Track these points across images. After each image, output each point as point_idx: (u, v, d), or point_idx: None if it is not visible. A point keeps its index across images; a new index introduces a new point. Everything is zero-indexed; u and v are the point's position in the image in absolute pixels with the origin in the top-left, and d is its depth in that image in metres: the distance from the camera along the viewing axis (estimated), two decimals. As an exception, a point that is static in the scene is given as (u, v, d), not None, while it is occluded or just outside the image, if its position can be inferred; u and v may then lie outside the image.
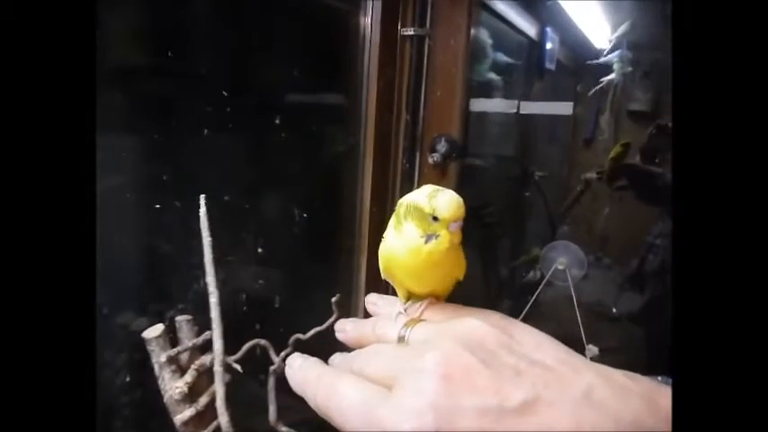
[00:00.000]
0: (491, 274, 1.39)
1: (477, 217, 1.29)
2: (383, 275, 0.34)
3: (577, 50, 1.58)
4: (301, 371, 0.29)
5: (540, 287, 0.87)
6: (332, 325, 0.60)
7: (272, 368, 0.62)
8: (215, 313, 0.42)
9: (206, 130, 0.55)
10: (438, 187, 0.30)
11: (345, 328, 0.33)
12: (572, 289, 0.84)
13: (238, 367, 0.59)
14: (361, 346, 0.30)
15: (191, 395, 0.53)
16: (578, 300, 1.46)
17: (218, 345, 0.41)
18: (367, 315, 0.37)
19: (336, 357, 0.31)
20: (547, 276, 0.86)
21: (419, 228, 0.29)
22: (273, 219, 0.67)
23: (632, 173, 1.13)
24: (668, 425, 0.22)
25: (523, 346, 0.25)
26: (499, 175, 1.30)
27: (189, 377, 0.52)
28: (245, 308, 0.64)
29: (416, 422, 0.22)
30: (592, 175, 1.40)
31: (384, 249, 0.33)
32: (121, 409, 0.54)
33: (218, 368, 0.41)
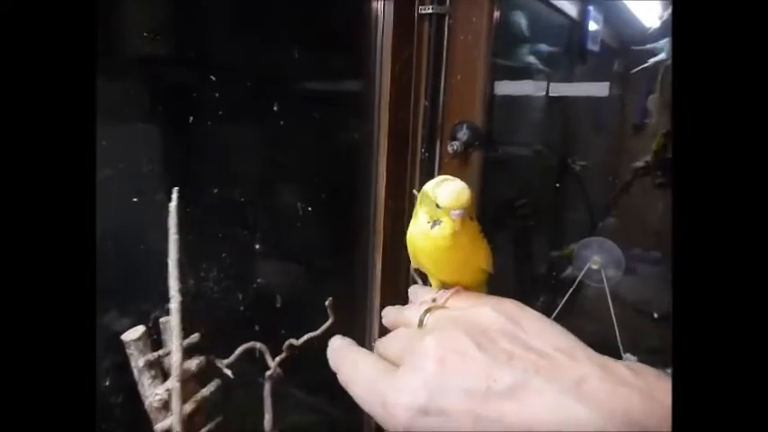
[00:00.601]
0: (525, 270, 1.31)
1: (510, 210, 1.22)
2: (413, 264, 0.37)
3: (624, 30, 1.46)
4: (336, 350, 0.32)
5: (572, 289, 0.79)
6: (328, 329, 0.55)
7: (267, 373, 0.58)
8: (175, 320, 0.37)
9: (191, 117, 0.51)
10: (451, 177, 0.32)
11: (387, 314, 0.36)
12: (607, 292, 0.76)
13: (229, 372, 0.56)
14: None
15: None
16: (623, 297, 1.35)
17: (176, 357, 0.37)
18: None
19: (377, 341, 0.33)
20: (579, 277, 0.78)
21: (427, 214, 0.32)
22: (273, 213, 0.63)
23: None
24: (665, 421, 0.21)
25: (527, 334, 0.26)
26: (533, 164, 1.22)
27: (171, 383, 0.49)
28: (241, 308, 0.61)
29: (409, 398, 0.25)
30: (640, 164, 1.29)
31: (408, 235, 0.35)
32: (105, 413, 0.51)
33: (174, 384, 0.37)
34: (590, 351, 0.25)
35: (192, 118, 0.51)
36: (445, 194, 0.30)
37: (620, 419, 0.21)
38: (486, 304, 0.29)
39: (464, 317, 0.29)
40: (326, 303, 0.50)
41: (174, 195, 0.40)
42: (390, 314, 0.36)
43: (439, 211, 0.31)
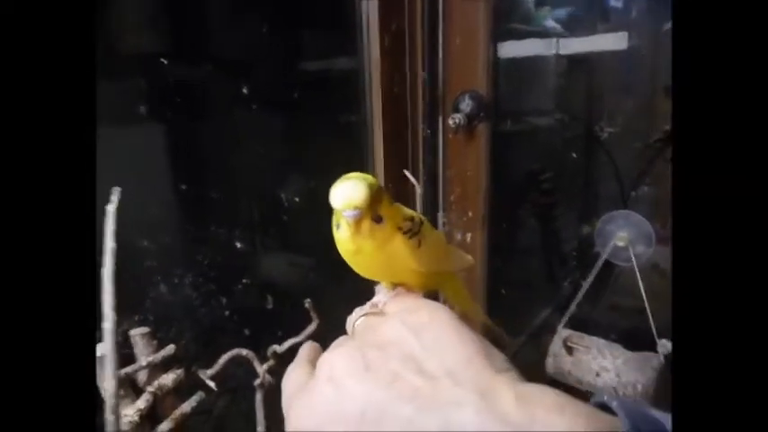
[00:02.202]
0: (552, 247, 1.23)
1: (531, 184, 1.14)
2: None
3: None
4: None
5: (595, 271, 0.71)
6: (311, 334, 0.50)
7: (256, 382, 0.54)
8: (107, 345, 0.32)
9: (142, 107, 0.46)
10: (355, 175, 0.29)
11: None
12: (637, 272, 0.68)
13: (212, 384, 0.51)
14: None
15: (149, 423, 0.46)
16: (664, 270, 1.26)
17: (110, 385, 0.32)
18: None
19: None
20: (603, 256, 0.70)
21: (335, 217, 0.30)
22: (255, 207, 0.58)
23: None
24: None
25: (425, 351, 0.24)
26: (553, 133, 1.12)
27: (142, 402, 0.44)
28: (227, 312, 0.56)
29: (296, 421, 0.24)
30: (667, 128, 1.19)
31: None
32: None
33: (109, 416, 0.32)
34: (491, 373, 0.23)
35: (143, 108, 0.46)
36: (334, 195, 0.28)
37: None
38: (399, 314, 0.28)
39: (374, 330, 0.28)
40: (306, 305, 0.44)
41: (114, 197, 0.35)
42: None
43: (337, 212, 0.29)
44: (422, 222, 0.32)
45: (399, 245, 0.30)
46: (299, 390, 0.26)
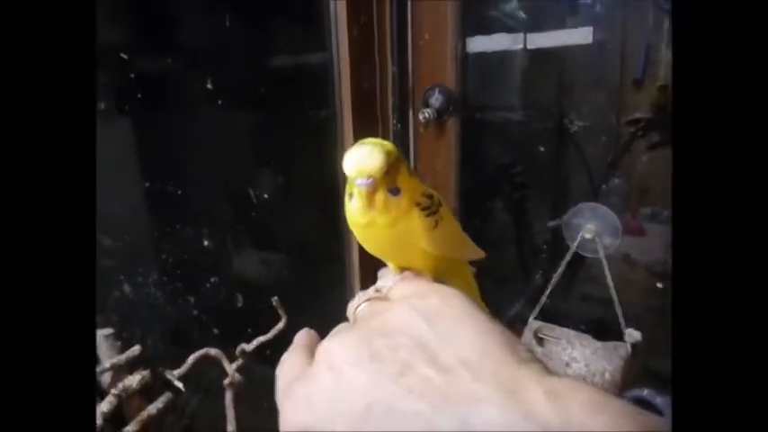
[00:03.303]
0: (524, 240, 1.25)
1: (504, 177, 1.15)
2: None
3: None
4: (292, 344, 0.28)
5: (565, 263, 0.73)
6: (280, 332, 0.50)
7: (226, 381, 0.53)
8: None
9: (103, 104, 0.44)
10: (370, 141, 0.27)
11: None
12: (604, 263, 0.69)
13: (180, 385, 0.50)
14: None
15: (114, 425, 0.45)
16: (635, 260, 1.29)
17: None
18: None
19: None
20: (572, 248, 0.71)
21: (348, 186, 0.27)
22: (221, 204, 0.57)
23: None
24: None
25: (438, 339, 0.22)
26: (524, 127, 1.14)
27: (106, 405, 0.43)
28: (195, 312, 0.55)
29: (292, 414, 0.22)
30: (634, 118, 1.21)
31: None
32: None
33: None
34: (510, 359, 0.20)
35: (104, 104, 0.45)
36: (347, 161, 0.26)
37: None
38: (408, 299, 0.25)
39: (380, 316, 0.25)
40: (273, 303, 0.43)
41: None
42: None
43: (351, 181, 0.26)
44: (440, 203, 0.29)
45: (415, 222, 0.27)
46: (295, 380, 0.23)
